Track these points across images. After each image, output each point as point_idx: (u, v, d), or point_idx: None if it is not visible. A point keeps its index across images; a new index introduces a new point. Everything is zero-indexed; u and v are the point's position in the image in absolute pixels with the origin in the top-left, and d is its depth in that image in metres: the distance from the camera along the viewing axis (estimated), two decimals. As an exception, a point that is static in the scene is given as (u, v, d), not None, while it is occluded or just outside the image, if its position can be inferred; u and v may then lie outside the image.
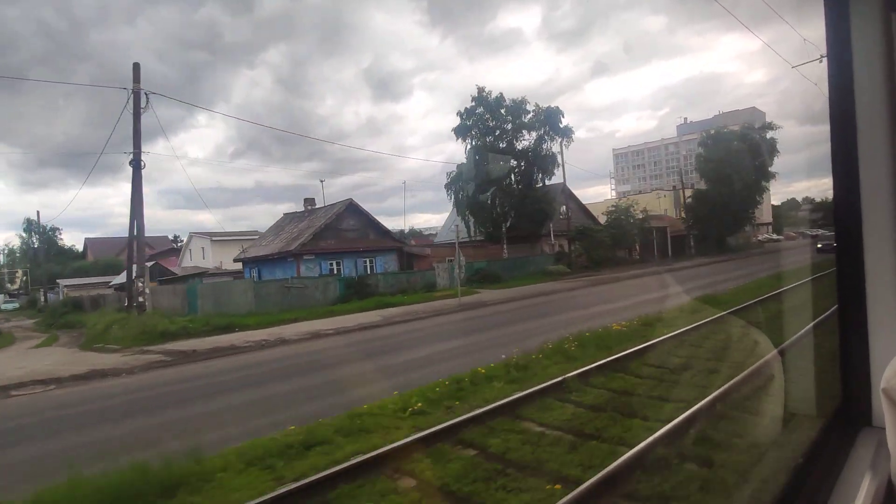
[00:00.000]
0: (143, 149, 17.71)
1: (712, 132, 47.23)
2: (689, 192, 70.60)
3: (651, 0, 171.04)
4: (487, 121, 33.41)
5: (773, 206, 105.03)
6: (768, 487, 2.96)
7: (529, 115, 33.83)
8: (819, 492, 1.32)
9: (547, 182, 35.70)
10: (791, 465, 1.75)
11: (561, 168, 35.41)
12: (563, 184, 36.99)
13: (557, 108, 34.11)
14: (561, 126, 34.54)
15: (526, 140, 34.65)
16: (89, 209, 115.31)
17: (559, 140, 35.22)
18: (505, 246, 34.42)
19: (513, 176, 34.08)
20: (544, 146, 34.57)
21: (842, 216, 1.51)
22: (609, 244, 33.96)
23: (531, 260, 32.06)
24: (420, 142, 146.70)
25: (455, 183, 32.67)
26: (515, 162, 33.95)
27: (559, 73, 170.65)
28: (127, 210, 19.15)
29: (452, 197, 32.73)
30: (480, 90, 33.53)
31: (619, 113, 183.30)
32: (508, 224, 34.47)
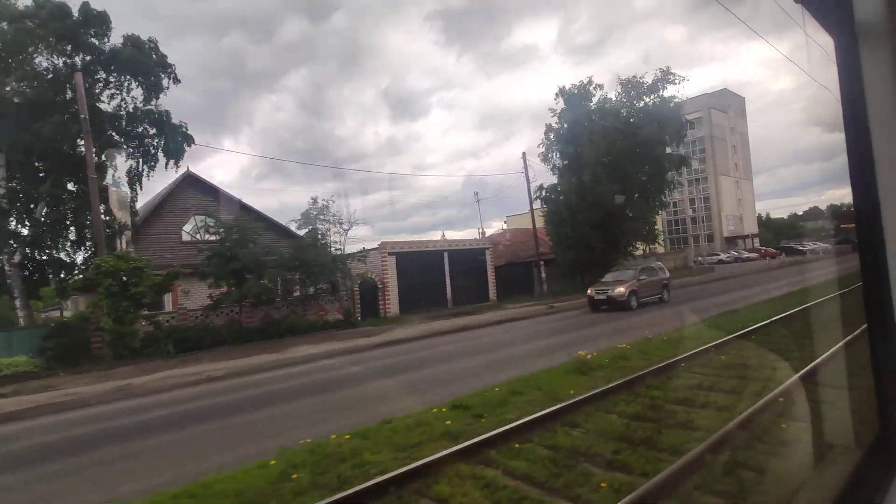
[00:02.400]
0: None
1: (570, 92, 28.27)
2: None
3: (669, 9, 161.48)
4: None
5: (784, 216, 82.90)
6: None
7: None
8: None
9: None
10: (830, 499, 1.68)
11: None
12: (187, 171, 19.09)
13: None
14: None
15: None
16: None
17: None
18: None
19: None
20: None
21: (864, 228, 1.43)
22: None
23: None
24: (440, 159, 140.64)
25: None
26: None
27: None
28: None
29: None
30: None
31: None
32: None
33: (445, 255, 24.55)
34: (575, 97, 28.30)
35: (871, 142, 1.34)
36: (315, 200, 18.83)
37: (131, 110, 17.14)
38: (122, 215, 16.58)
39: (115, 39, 16.89)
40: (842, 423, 3.53)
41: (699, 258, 45.16)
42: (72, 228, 17.39)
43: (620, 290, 16.32)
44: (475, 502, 3.70)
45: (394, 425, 5.57)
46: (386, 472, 4.17)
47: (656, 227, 31.11)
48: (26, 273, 16.96)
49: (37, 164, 16.33)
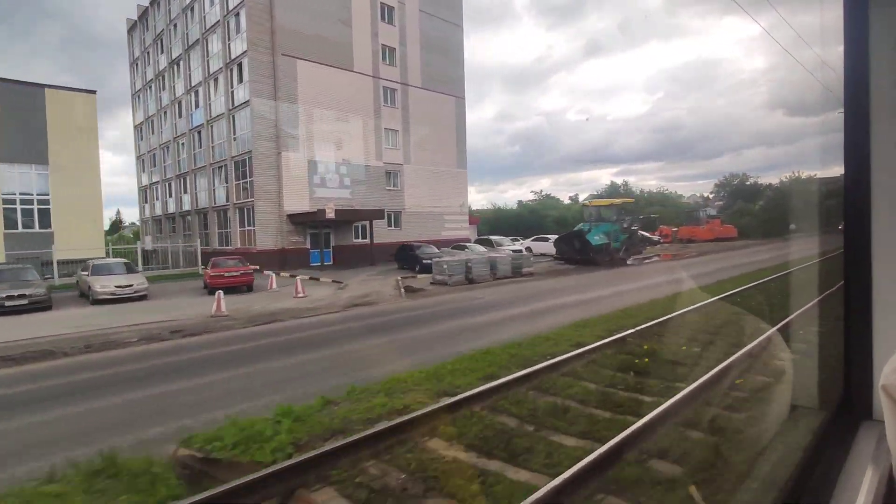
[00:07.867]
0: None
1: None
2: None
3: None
4: None
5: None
6: (773, 480, 2.74)
7: None
8: (823, 485, 1.29)
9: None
10: (794, 458, 1.66)
11: None
12: None
13: None
14: None
15: None
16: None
17: None
18: None
19: None
20: None
21: (851, 209, 1.43)
22: None
23: None
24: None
25: None
26: None
27: (551, 52, 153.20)
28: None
29: None
30: None
31: (611, 95, 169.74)
32: None
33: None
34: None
35: (870, 116, 1.33)
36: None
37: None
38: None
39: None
40: None
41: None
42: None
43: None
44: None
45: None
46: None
47: None
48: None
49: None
